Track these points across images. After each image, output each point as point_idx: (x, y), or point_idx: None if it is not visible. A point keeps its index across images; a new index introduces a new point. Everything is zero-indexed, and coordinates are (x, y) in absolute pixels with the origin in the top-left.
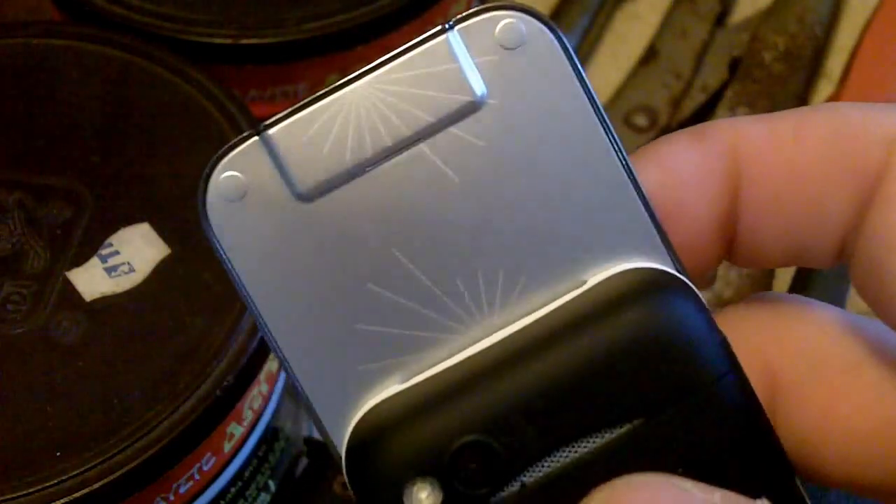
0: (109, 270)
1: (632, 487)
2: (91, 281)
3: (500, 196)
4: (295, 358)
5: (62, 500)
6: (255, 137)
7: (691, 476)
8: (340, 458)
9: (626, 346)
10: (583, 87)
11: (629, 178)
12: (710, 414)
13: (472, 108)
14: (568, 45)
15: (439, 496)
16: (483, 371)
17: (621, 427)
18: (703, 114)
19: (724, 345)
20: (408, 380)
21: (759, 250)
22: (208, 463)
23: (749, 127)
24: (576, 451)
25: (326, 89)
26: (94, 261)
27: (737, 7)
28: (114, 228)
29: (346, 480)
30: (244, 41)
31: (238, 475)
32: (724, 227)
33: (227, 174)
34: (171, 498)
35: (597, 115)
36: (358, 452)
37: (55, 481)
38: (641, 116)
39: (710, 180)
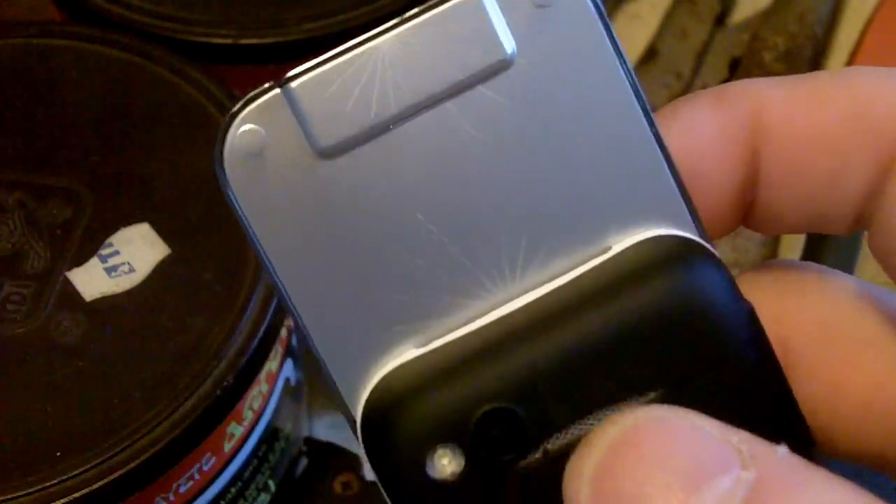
0: (109, 270)
1: (650, 421)
2: (91, 281)
3: (525, 158)
4: (311, 319)
5: (62, 500)
6: (277, 90)
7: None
8: (355, 423)
9: (654, 314)
10: (614, 47)
11: (657, 143)
12: (736, 383)
13: (501, 66)
14: (600, 5)
15: (461, 463)
16: (507, 336)
17: (647, 395)
18: None
19: (751, 314)
20: (427, 344)
21: (778, 215)
22: (208, 463)
23: (770, 91)
24: (600, 419)
25: (352, 43)
26: (94, 261)
27: (737, 7)
28: (114, 228)
29: (361, 446)
30: (244, 41)
31: (238, 475)
32: (744, 193)
33: (245, 128)
34: (171, 498)
35: (627, 77)
36: (375, 418)
37: (55, 481)
38: None
39: (731, 145)
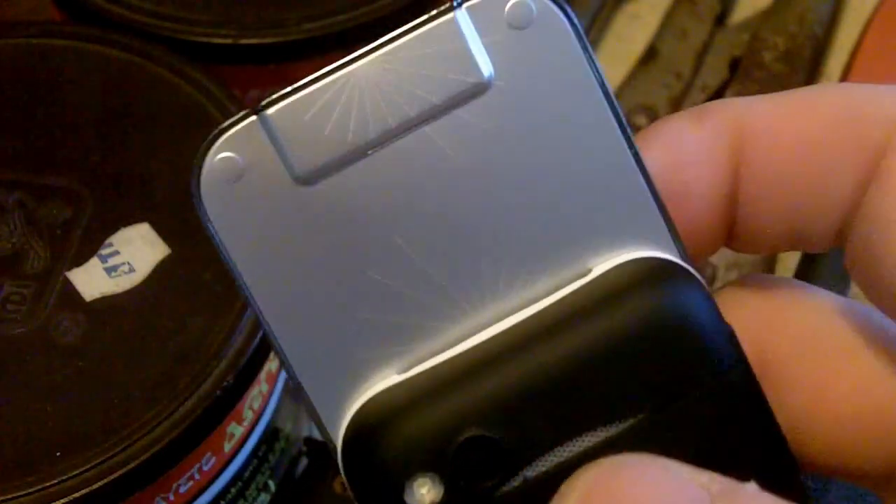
0: (109, 270)
1: (619, 466)
2: (91, 281)
3: (504, 181)
4: (290, 345)
5: (62, 500)
6: (254, 117)
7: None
8: (336, 449)
9: (634, 337)
10: (592, 69)
11: (637, 164)
12: (716, 407)
13: (478, 89)
14: (579, 26)
15: (440, 491)
16: (486, 361)
17: (628, 419)
18: None
19: (731, 336)
20: (407, 370)
21: (760, 232)
22: (208, 463)
23: (754, 104)
24: (581, 444)
25: (328, 68)
26: (94, 261)
27: (737, 7)
28: (114, 228)
29: (342, 472)
30: (244, 41)
31: (238, 475)
32: (727, 210)
33: (222, 155)
34: (171, 498)
35: (606, 99)
36: (355, 444)
37: (55, 481)
38: (641, 116)
39: (713, 160)
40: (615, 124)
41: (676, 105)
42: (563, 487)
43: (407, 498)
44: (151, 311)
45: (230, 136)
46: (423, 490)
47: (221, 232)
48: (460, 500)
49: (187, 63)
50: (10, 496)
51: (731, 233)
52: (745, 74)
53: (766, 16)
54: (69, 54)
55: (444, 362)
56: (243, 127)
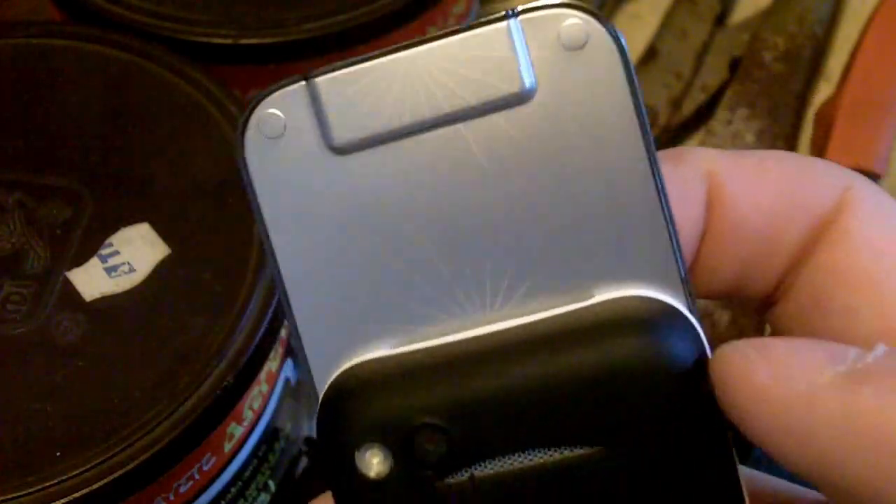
0: (109, 270)
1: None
2: (91, 281)
3: (525, 193)
4: (298, 300)
5: (62, 500)
6: (302, 82)
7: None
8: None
9: (603, 373)
10: (634, 102)
11: (661, 203)
12: (678, 462)
13: (517, 99)
14: (628, 57)
15: (388, 466)
16: (463, 359)
17: (581, 448)
18: (703, 114)
19: (706, 400)
20: (395, 348)
21: (712, 277)
22: (208, 463)
23: (719, 158)
24: (531, 460)
25: (380, 51)
26: (94, 261)
27: (737, 7)
28: (114, 228)
29: (315, 428)
30: (244, 41)
31: (238, 475)
32: (693, 250)
33: (269, 110)
34: (171, 498)
35: (642, 133)
36: (327, 405)
37: (55, 481)
38: None
39: (692, 202)
40: (647, 161)
41: (676, 105)
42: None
43: (357, 462)
44: (151, 311)
45: (278, 94)
46: (374, 460)
47: (255, 183)
48: (406, 480)
49: (187, 63)
50: (10, 496)
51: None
52: (745, 74)
53: (766, 16)
54: (69, 54)
55: (427, 349)
56: (291, 89)
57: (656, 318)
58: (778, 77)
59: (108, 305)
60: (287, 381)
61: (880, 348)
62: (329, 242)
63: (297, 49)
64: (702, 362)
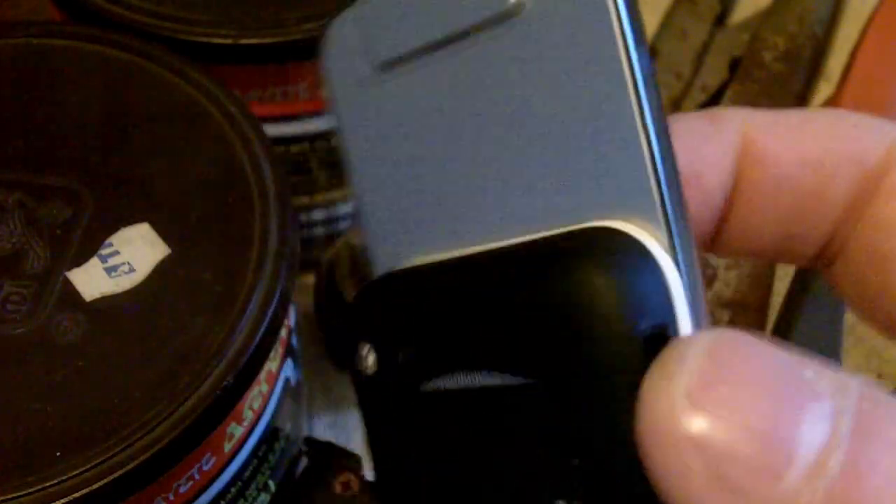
0: (109, 270)
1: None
2: (91, 281)
3: (518, 114)
4: (366, 197)
5: (62, 500)
6: (358, 6)
7: (553, 450)
8: None
9: (545, 305)
10: (631, 25)
11: (644, 132)
12: (601, 405)
13: (508, 13)
14: None
15: (375, 366)
16: (446, 278)
17: (517, 378)
18: None
19: (645, 343)
20: (418, 259)
21: (749, 237)
22: (208, 463)
23: (757, 115)
24: (473, 381)
25: None
26: (94, 261)
27: (737, 7)
28: (114, 228)
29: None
30: (244, 41)
31: (238, 475)
32: (722, 210)
33: (332, 32)
34: (171, 498)
35: (629, 61)
36: (353, 301)
37: (55, 481)
38: None
39: (724, 159)
40: (631, 88)
41: (676, 105)
42: (681, 345)
43: (357, 355)
44: (151, 311)
45: (344, 15)
46: (369, 358)
47: (334, 87)
48: (385, 381)
49: (187, 63)
50: (10, 496)
51: (715, 237)
52: (745, 74)
53: (766, 16)
54: (69, 54)
55: (428, 265)
56: (352, 11)
57: (608, 258)
58: (778, 77)
59: (108, 305)
60: (287, 381)
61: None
62: (385, 148)
63: (297, 49)
64: (660, 310)
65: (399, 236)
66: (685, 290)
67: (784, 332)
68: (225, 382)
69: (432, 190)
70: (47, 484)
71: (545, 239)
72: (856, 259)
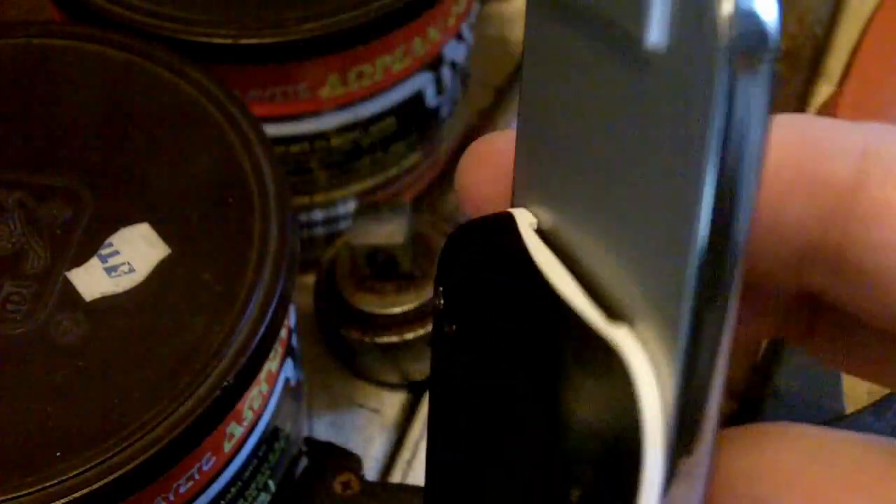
0: (109, 270)
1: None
2: (91, 281)
3: (619, 137)
4: (523, 143)
5: (62, 500)
6: None
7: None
8: None
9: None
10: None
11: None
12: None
13: (635, 47)
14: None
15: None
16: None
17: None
18: None
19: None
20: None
21: None
22: (208, 463)
23: None
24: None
25: None
26: (94, 261)
27: None
28: (114, 228)
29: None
30: (244, 41)
31: (238, 475)
32: None
33: None
34: (171, 498)
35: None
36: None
37: (55, 481)
38: None
39: None
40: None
41: None
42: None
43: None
44: (151, 311)
45: None
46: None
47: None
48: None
49: (187, 63)
50: (10, 496)
51: None
52: None
53: None
54: (69, 54)
55: (516, 250)
56: None
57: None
58: (778, 77)
59: (108, 305)
60: (287, 381)
61: None
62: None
63: (297, 49)
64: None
65: (535, 168)
66: (663, 424)
67: (778, 347)
68: (225, 382)
69: (570, 148)
70: (47, 484)
71: (590, 319)
72: (848, 279)
